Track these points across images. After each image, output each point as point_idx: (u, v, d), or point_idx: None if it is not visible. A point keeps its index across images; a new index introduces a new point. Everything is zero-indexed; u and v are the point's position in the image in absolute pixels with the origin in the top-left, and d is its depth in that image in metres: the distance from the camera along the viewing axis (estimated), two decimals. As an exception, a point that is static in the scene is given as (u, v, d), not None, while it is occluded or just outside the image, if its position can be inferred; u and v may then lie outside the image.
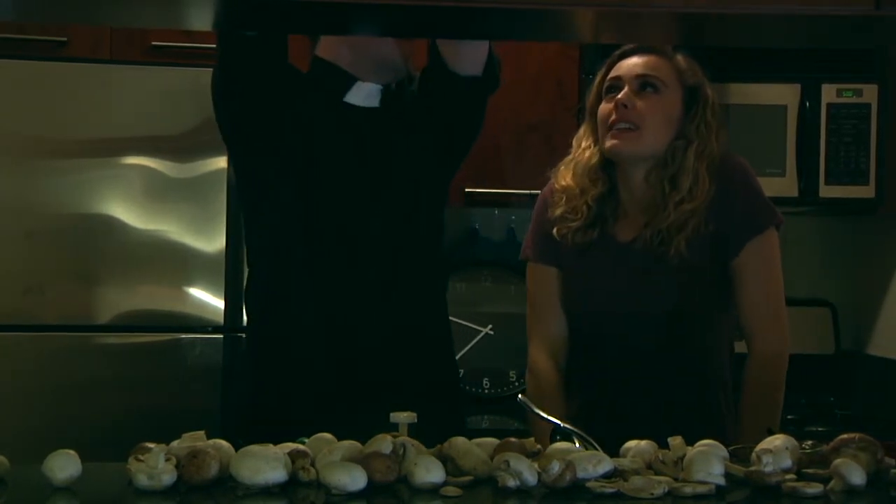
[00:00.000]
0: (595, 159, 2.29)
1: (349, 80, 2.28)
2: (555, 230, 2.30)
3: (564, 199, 2.30)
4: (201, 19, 1.90)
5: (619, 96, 2.24)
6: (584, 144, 2.33)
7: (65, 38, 3.05)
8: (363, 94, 2.30)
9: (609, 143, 2.25)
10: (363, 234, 2.25)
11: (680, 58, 2.29)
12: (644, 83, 2.25)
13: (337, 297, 2.25)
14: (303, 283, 2.25)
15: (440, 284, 2.40)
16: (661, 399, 2.22)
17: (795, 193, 3.22)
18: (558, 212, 2.30)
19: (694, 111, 2.26)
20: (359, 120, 2.29)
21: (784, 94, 3.23)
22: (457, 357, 3.34)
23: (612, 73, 2.30)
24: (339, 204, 2.25)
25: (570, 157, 2.35)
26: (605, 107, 2.28)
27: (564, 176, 2.32)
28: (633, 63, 2.28)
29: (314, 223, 2.24)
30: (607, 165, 2.30)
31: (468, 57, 2.24)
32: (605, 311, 2.27)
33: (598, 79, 2.34)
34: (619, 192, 2.30)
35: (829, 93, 3.22)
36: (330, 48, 2.31)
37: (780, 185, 3.16)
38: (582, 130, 2.36)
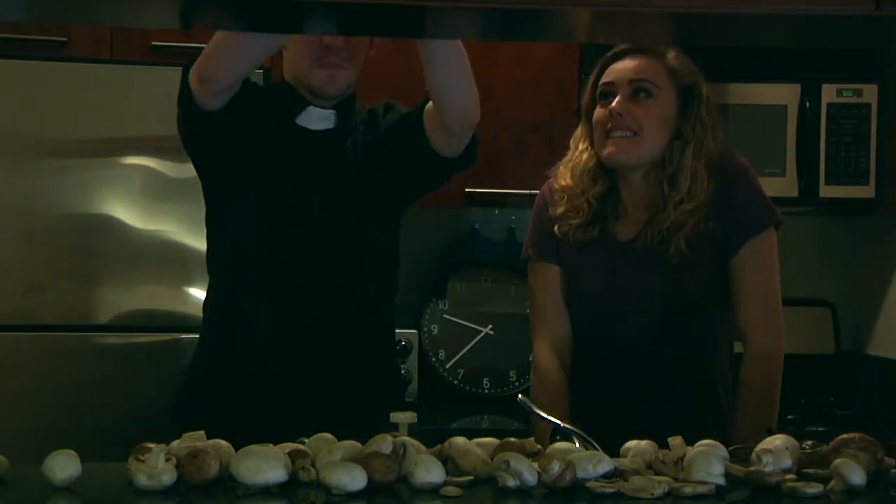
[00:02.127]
0: (593, 161, 2.29)
1: (302, 104, 2.30)
2: (556, 227, 2.30)
3: (566, 197, 2.30)
4: (202, 20, 1.90)
5: (614, 105, 2.24)
6: (581, 147, 2.32)
7: (65, 38, 3.05)
8: (314, 118, 2.33)
9: (607, 150, 2.25)
10: (317, 251, 2.29)
11: (672, 56, 2.27)
12: (637, 88, 2.24)
13: (291, 311, 2.29)
14: (259, 297, 2.29)
15: (391, 299, 2.43)
16: (661, 397, 2.22)
17: (795, 193, 3.22)
18: (560, 210, 2.30)
19: (689, 110, 2.25)
20: (313, 141, 2.32)
21: (784, 94, 3.23)
22: (457, 357, 3.38)
23: (605, 78, 2.29)
24: (293, 221, 2.28)
25: (569, 157, 2.35)
26: (600, 112, 2.28)
27: (564, 176, 2.32)
28: (625, 67, 2.27)
29: (271, 239, 2.29)
30: (606, 166, 2.30)
31: (453, 146, 2.26)
32: (604, 309, 2.27)
33: (591, 80, 2.33)
34: (620, 191, 2.30)
35: (829, 93, 3.22)
36: (286, 70, 2.35)
37: (780, 185, 3.16)
38: (579, 131, 2.35)
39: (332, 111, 2.33)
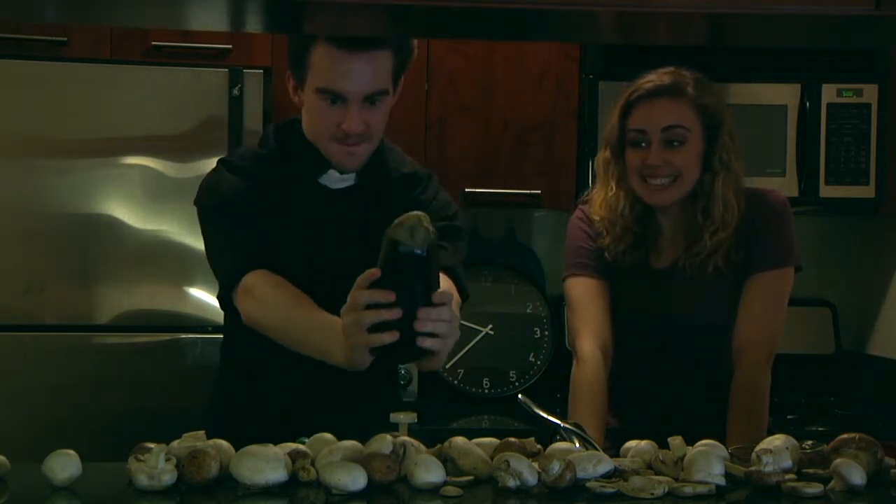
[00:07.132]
0: (630, 195, 2.32)
1: (324, 166, 2.22)
2: (606, 254, 2.34)
3: (609, 228, 2.34)
4: (201, 19, 1.90)
5: (651, 159, 2.25)
6: (612, 180, 2.34)
7: (65, 38, 3.05)
8: (335, 179, 2.22)
9: (650, 197, 2.29)
10: (334, 303, 2.22)
11: (693, 93, 2.27)
12: (671, 137, 2.26)
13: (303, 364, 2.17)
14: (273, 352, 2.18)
15: None
16: (695, 405, 2.25)
17: (795, 193, 3.22)
18: (607, 241, 2.34)
19: (716, 141, 2.28)
20: (334, 200, 2.22)
21: (784, 94, 3.23)
22: (457, 357, 3.38)
23: (635, 124, 2.28)
24: (310, 277, 2.15)
25: (600, 186, 2.37)
26: (634, 157, 2.29)
27: (603, 208, 2.35)
28: (654, 113, 2.27)
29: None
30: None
31: None
32: (642, 327, 2.32)
33: (616, 118, 2.32)
34: (657, 217, 2.34)
35: (829, 93, 3.22)
36: (305, 126, 2.22)
37: (780, 185, 3.15)
38: (602, 158, 2.36)
39: (351, 174, 2.22)
